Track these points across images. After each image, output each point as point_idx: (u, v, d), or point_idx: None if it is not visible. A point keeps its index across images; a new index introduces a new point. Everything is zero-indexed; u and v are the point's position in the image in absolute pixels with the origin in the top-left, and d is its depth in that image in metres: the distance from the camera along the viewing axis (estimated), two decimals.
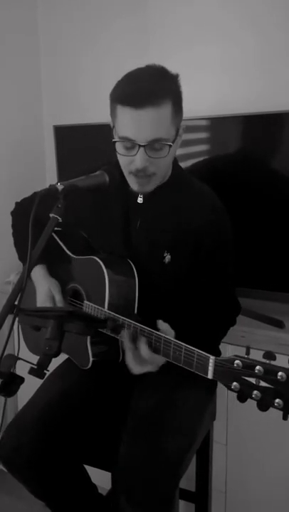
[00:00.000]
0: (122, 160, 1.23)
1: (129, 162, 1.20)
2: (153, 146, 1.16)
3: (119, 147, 1.21)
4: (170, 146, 1.18)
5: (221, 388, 1.50)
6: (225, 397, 1.65)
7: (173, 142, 1.19)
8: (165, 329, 1.13)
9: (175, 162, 1.35)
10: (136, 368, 1.16)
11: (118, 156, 1.23)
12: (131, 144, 1.17)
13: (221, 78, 1.90)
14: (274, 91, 1.80)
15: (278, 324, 1.63)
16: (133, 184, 1.25)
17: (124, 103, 1.15)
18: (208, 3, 1.89)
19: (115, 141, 1.20)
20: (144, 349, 1.11)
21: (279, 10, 1.76)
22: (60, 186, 1.13)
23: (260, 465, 1.68)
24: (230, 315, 1.41)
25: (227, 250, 1.34)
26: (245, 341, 1.57)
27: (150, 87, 1.14)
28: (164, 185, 1.31)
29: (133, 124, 1.15)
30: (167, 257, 1.30)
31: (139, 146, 1.15)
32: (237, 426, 1.70)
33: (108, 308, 1.24)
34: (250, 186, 1.74)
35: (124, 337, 1.15)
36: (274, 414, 0.91)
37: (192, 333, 1.11)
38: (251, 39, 1.82)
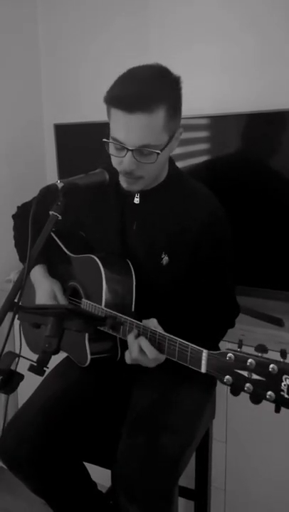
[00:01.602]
0: (113, 160, 1.23)
1: (119, 163, 1.20)
2: (141, 151, 1.15)
3: (110, 147, 1.21)
4: (158, 153, 1.16)
5: (220, 387, 1.50)
6: (224, 395, 1.66)
7: (162, 150, 1.18)
8: (154, 326, 1.14)
9: (172, 162, 1.34)
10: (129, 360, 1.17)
11: (110, 155, 1.23)
12: (120, 146, 1.17)
13: (220, 77, 1.90)
14: (274, 90, 1.80)
15: (278, 323, 1.63)
16: (122, 182, 1.26)
17: (116, 106, 1.14)
18: (209, 3, 1.89)
19: (105, 141, 1.20)
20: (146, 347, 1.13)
21: (279, 10, 1.76)
22: (59, 184, 1.14)
23: (259, 462, 1.68)
24: (229, 317, 1.41)
25: (226, 251, 1.33)
26: (245, 340, 1.56)
27: (143, 91, 1.12)
28: (160, 186, 1.31)
29: (123, 128, 1.14)
30: (165, 259, 1.30)
31: (128, 149, 1.15)
32: (236, 424, 1.70)
33: (105, 306, 1.24)
34: (249, 185, 1.74)
35: (129, 337, 1.16)
36: (272, 411, 0.91)
37: (190, 333, 1.11)
38: (251, 39, 1.82)
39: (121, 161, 1.19)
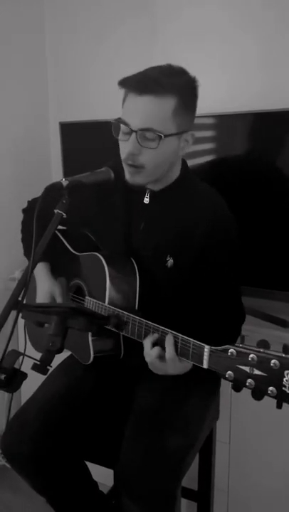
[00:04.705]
0: (120, 147, 1.24)
1: (124, 147, 1.22)
2: (144, 134, 1.17)
3: (120, 131, 1.22)
4: (160, 137, 1.17)
5: (224, 387, 1.50)
6: (228, 396, 1.65)
7: (166, 136, 1.18)
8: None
9: (185, 165, 1.34)
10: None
11: (118, 141, 1.24)
12: (127, 130, 1.18)
13: (221, 77, 1.90)
14: (277, 89, 1.79)
15: (282, 323, 1.63)
16: (126, 173, 1.26)
17: (129, 89, 1.18)
18: (213, 4, 1.89)
19: (113, 122, 1.21)
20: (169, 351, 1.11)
21: (280, 9, 1.76)
22: (64, 182, 1.13)
23: (262, 464, 1.68)
24: (234, 321, 1.37)
25: (232, 256, 1.32)
26: (248, 340, 1.56)
27: (157, 77, 1.16)
28: (170, 187, 1.30)
29: (132, 109, 1.18)
30: (170, 261, 1.29)
31: (132, 131, 1.17)
32: (240, 425, 1.70)
33: (108, 304, 1.24)
34: (252, 185, 1.73)
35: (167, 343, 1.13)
36: (276, 413, 0.90)
37: (193, 336, 1.10)
38: (252, 39, 1.82)
39: (125, 147, 1.21)
